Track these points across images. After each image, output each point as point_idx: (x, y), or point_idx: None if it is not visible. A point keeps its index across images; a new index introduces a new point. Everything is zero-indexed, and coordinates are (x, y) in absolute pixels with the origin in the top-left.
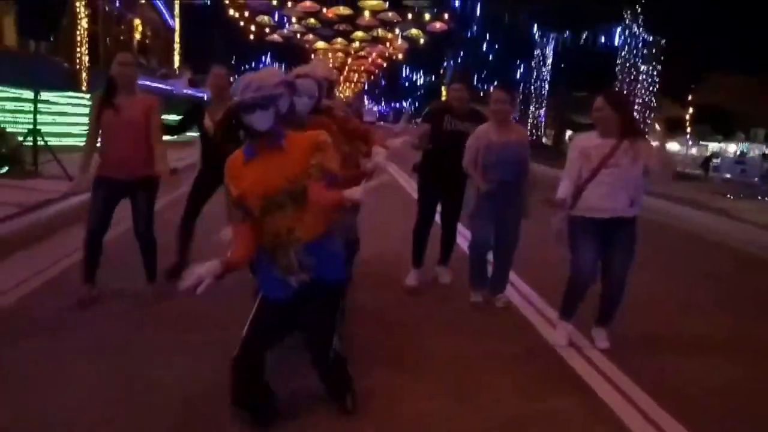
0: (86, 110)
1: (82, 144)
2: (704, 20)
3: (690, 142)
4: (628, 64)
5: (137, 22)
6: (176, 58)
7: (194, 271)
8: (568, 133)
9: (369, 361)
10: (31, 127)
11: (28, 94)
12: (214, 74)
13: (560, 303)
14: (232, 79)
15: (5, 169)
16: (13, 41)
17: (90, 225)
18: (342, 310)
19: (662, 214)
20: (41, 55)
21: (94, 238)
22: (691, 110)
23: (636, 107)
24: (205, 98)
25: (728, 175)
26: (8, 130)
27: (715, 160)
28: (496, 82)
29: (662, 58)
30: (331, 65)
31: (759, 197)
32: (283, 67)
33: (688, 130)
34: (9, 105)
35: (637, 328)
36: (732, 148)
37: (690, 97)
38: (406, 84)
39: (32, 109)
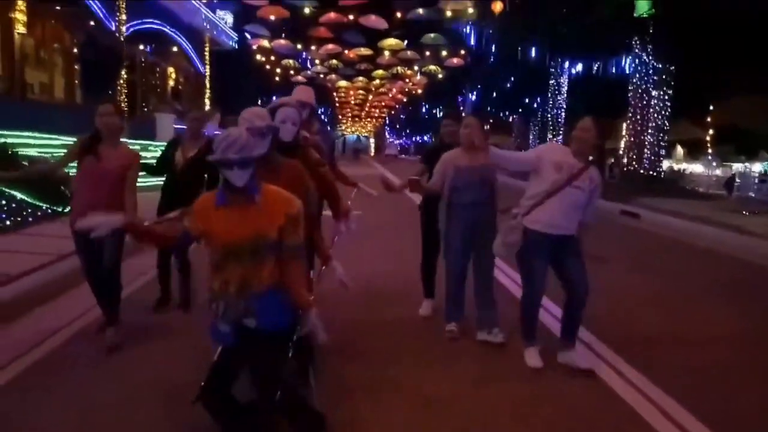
0: None
1: None
2: (713, 45)
3: (714, 164)
4: (639, 91)
5: (171, 69)
6: (207, 102)
7: (96, 218)
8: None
9: (388, 351)
10: None
11: None
12: (191, 119)
13: (521, 327)
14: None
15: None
16: (61, 94)
17: (85, 274)
18: (310, 351)
19: (676, 231)
20: (86, 106)
21: (96, 287)
22: (711, 132)
23: (650, 131)
24: None
25: (752, 194)
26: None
27: (738, 180)
28: (508, 113)
29: (672, 83)
30: (352, 101)
31: None
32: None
33: (710, 151)
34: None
35: (641, 325)
36: (757, 168)
37: (709, 119)
38: (426, 117)
39: None
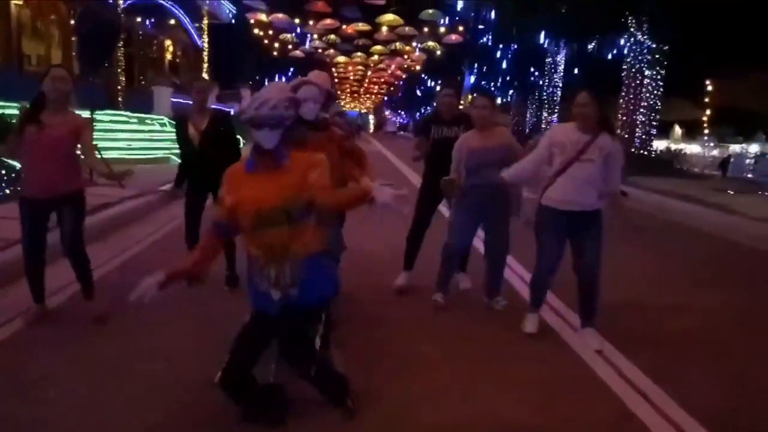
0: (124, 126)
1: (126, 156)
2: (711, 24)
3: (711, 144)
4: (633, 70)
5: (168, 42)
6: (205, 76)
7: (141, 284)
8: None
9: (395, 323)
10: None
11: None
12: (197, 90)
13: (530, 295)
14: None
15: None
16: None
17: (24, 249)
18: (328, 319)
19: (659, 209)
20: (83, 77)
21: (32, 262)
22: (708, 112)
23: (641, 110)
24: (232, 113)
25: (749, 175)
26: None
27: (733, 161)
28: (506, 91)
29: (665, 63)
30: (351, 77)
31: (759, 192)
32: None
33: (707, 131)
34: None
35: (611, 295)
36: (754, 149)
37: (707, 99)
38: (425, 94)
39: None
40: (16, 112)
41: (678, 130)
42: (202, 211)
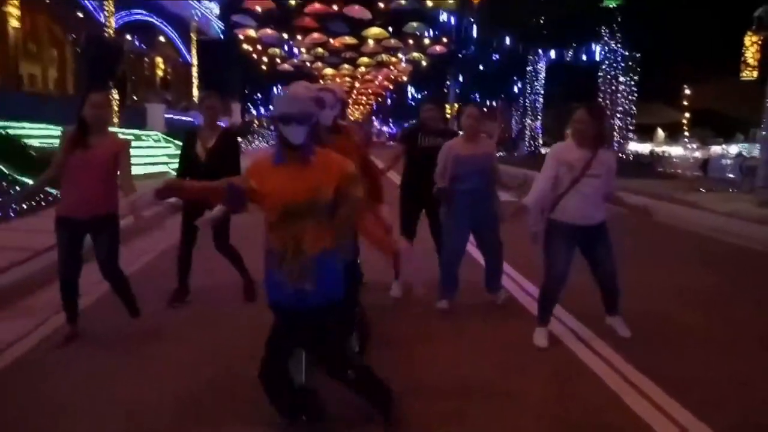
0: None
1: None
2: (683, 30)
3: (695, 146)
4: (608, 77)
5: (159, 59)
6: (195, 91)
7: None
8: None
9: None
10: None
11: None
12: (208, 106)
13: (537, 308)
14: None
15: None
16: (53, 86)
17: (61, 269)
18: (362, 325)
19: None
20: (77, 96)
21: (68, 281)
22: (687, 115)
23: (618, 115)
24: (223, 126)
25: (731, 175)
26: None
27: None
28: (477, 100)
29: (638, 69)
30: (341, 88)
31: (729, 190)
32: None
33: (686, 133)
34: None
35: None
36: (734, 150)
37: (685, 103)
38: (412, 103)
39: None
40: (19, 132)
41: (660, 133)
42: (197, 231)
